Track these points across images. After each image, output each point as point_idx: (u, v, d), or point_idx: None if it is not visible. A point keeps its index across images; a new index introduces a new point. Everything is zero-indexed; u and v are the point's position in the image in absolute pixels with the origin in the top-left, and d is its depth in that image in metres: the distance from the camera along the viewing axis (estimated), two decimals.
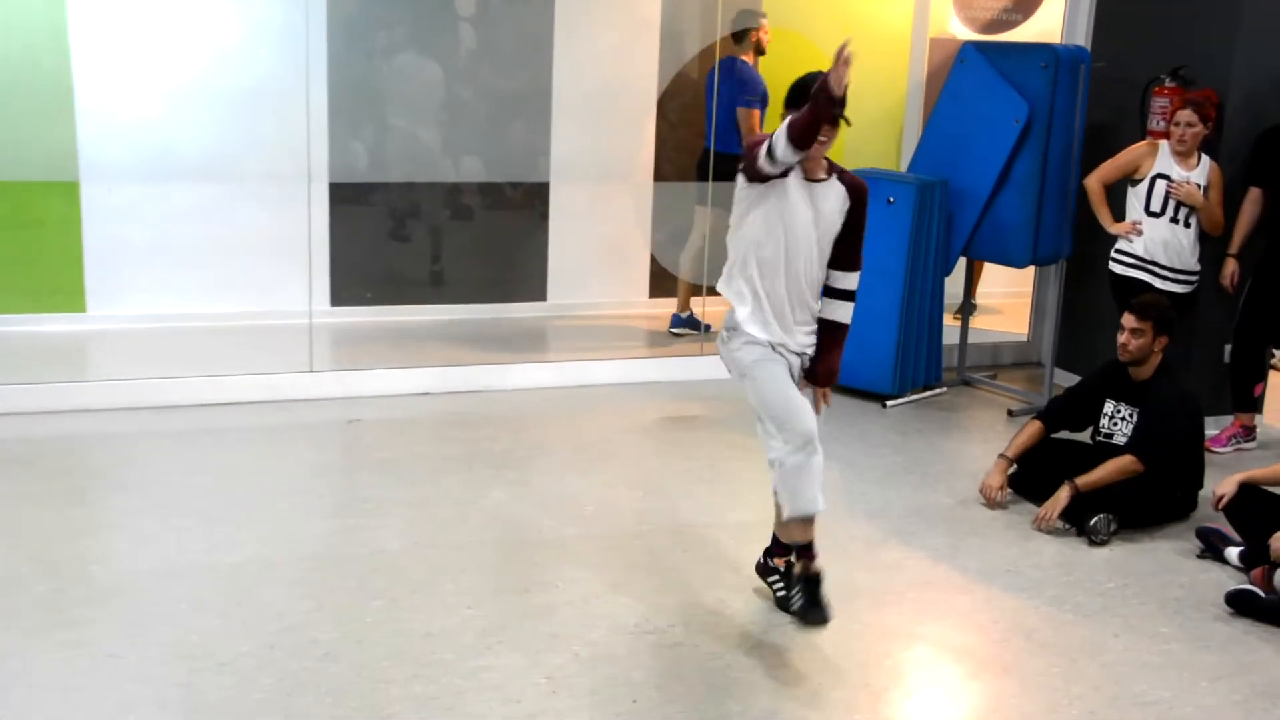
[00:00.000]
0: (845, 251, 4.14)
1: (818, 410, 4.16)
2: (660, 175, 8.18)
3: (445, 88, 7.72)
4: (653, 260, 8.27)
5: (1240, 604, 4.59)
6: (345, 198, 7.54)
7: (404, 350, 7.22)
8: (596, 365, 7.08)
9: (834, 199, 4.05)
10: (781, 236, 3.99)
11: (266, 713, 3.66)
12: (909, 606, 4.57)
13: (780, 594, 4.37)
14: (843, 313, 4.20)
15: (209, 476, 5.46)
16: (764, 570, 4.47)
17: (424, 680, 3.86)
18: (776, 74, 8.15)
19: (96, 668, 3.85)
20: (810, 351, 4.18)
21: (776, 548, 4.41)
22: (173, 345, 7.02)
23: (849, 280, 4.19)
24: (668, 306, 8.07)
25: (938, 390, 7.19)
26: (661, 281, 8.27)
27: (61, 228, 7.08)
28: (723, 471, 5.83)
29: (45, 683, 3.76)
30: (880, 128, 8.29)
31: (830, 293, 4.18)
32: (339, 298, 7.60)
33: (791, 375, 4.12)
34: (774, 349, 4.09)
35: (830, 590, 4.13)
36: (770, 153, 3.78)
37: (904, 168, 7.63)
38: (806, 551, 4.11)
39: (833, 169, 4.09)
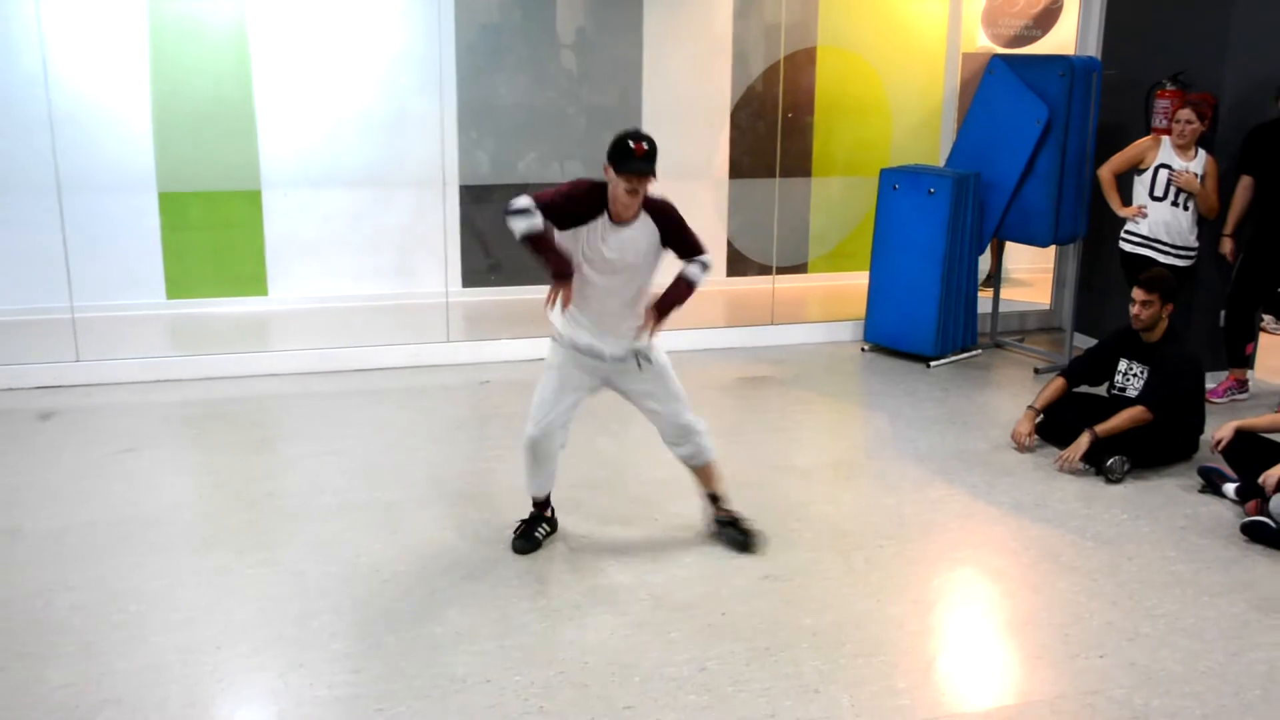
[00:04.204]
0: (679, 250, 3.95)
1: (639, 337, 3.97)
2: (735, 173, 8.10)
3: (552, 104, 7.71)
4: (729, 244, 8.20)
5: (1254, 532, 4.48)
6: (472, 198, 7.57)
7: (523, 323, 7.25)
8: (682, 334, 7.03)
9: (642, 236, 3.85)
10: (585, 271, 3.85)
11: (423, 619, 3.73)
12: (952, 535, 4.51)
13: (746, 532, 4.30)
14: (690, 271, 3.97)
15: (368, 428, 5.55)
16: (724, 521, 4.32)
17: (547, 595, 3.90)
18: (832, 89, 8.06)
19: (285, 582, 3.96)
20: (640, 347, 3.99)
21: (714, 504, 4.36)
22: (336, 321, 7.12)
23: (695, 261, 3.97)
24: (743, 285, 8.01)
25: (974, 352, 7.05)
26: (736, 263, 8.20)
27: (247, 227, 7.22)
28: (792, 422, 5.79)
29: (247, 594, 3.87)
30: (922, 129, 8.13)
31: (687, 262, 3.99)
32: (469, 280, 7.64)
33: (583, 379, 4.05)
34: (578, 351, 4.01)
35: (884, 522, 4.15)
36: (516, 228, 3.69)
37: (942, 163, 7.46)
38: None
39: (643, 206, 3.82)
